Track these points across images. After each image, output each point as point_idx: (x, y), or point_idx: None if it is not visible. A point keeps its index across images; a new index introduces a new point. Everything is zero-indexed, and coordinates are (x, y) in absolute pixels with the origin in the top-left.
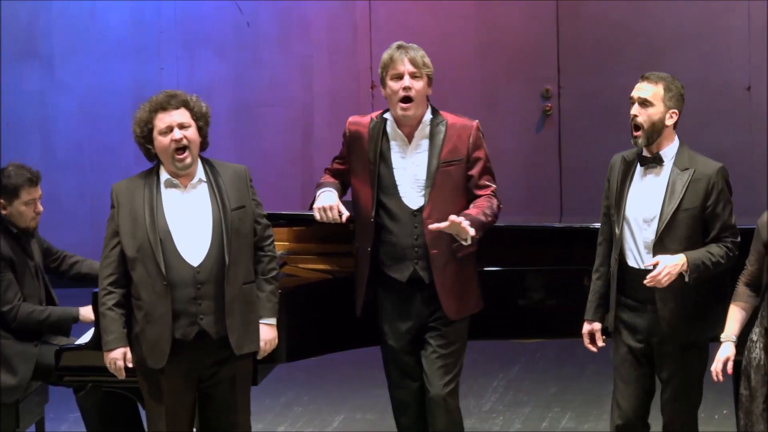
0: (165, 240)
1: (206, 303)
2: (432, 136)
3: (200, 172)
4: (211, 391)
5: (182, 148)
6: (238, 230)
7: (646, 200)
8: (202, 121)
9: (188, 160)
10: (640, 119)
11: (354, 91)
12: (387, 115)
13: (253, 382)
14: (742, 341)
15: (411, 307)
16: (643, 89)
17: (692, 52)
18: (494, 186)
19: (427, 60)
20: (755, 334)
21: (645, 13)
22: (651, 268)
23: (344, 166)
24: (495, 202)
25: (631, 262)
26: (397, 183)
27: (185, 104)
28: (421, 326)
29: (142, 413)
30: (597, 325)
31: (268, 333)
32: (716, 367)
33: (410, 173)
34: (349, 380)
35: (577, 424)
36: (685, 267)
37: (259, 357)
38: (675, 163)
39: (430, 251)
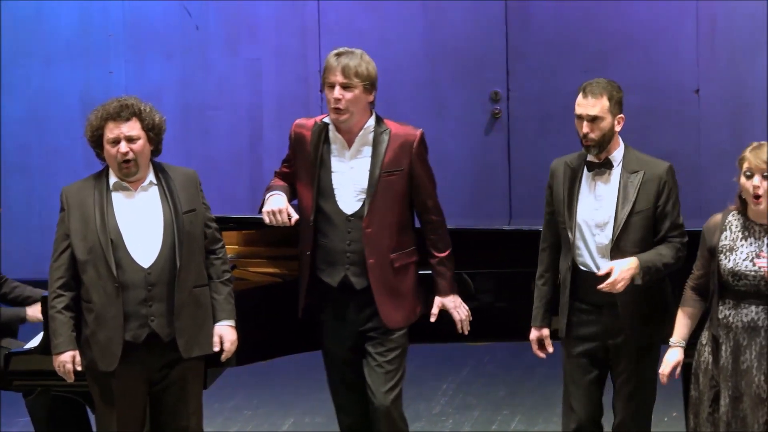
0: (116, 242)
1: (157, 305)
2: (375, 145)
3: (151, 175)
4: (162, 394)
5: (127, 161)
6: (190, 233)
7: (598, 205)
8: (153, 131)
9: (132, 170)
10: (592, 135)
11: (303, 95)
12: (328, 119)
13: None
14: (691, 344)
15: (346, 313)
16: (589, 106)
17: (641, 54)
18: (442, 217)
19: (363, 69)
20: (704, 338)
21: (593, 15)
22: (604, 275)
23: (291, 169)
24: (448, 237)
25: (584, 267)
26: (335, 187)
27: (137, 115)
28: (358, 333)
29: (92, 417)
30: (546, 331)
31: (230, 334)
32: (664, 370)
33: (348, 178)
34: (298, 384)
35: (527, 427)
36: (637, 270)
37: (223, 359)
38: (623, 167)
39: (367, 260)
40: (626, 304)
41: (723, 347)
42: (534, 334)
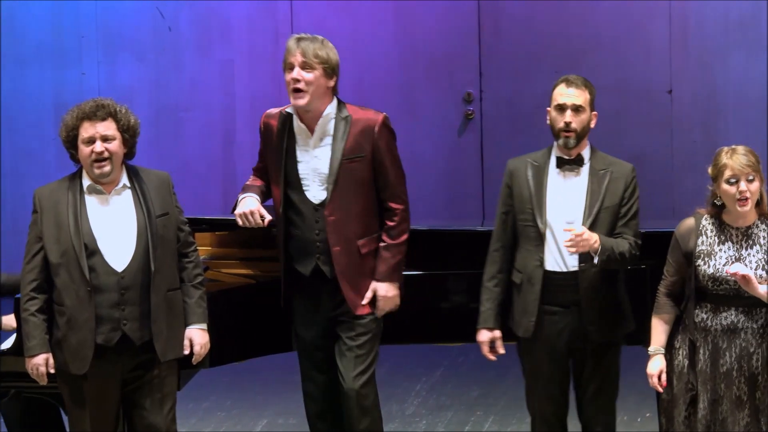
0: (89, 245)
1: (130, 309)
2: (335, 131)
3: (124, 178)
4: (135, 395)
5: (101, 159)
6: (163, 237)
7: (567, 202)
8: (128, 133)
9: (106, 169)
10: (574, 125)
11: (275, 96)
12: (290, 109)
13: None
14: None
15: (318, 300)
16: (574, 96)
17: (613, 55)
18: (402, 205)
19: (323, 52)
20: (677, 342)
21: (566, 16)
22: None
23: (264, 162)
24: (404, 228)
25: (552, 267)
26: (301, 177)
27: (112, 115)
28: (329, 319)
29: (65, 419)
30: (498, 333)
31: (201, 337)
32: (653, 381)
33: (311, 167)
34: (271, 385)
35: (500, 427)
36: (597, 245)
37: (194, 362)
38: (591, 165)
39: (331, 248)
40: (590, 301)
41: (701, 351)
42: (486, 335)
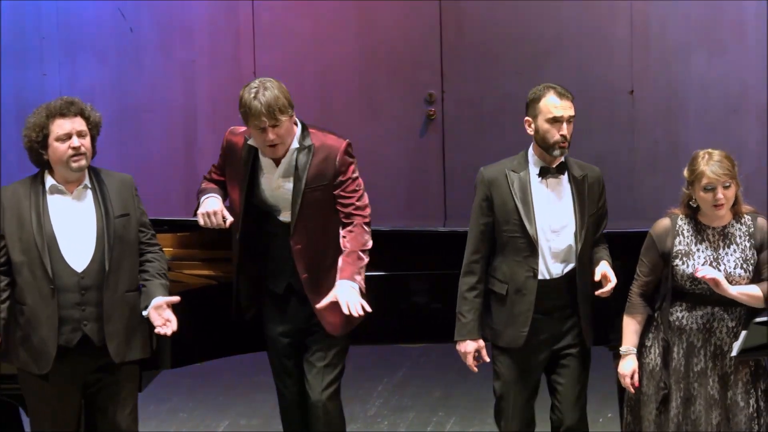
0: (51, 245)
1: (90, 309)
2: (298, 162)
3: (86, 179)
4: (96, 397)
5: (79, 154)
6: (122, 237)
7: (554, 211)
8: (95, 130)
9: (83, 163)
10: (569, 137)
11: (237, 96)
12: (253, 143)
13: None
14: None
15: (289, 310)
16: (568, 108)
17: (575, 55)
18: (362, 214)
19: (282, 101)
20: (648, 340)
21: (527, 16)
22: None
23: (221, 177)
24: (366, 238)
25: (540, 276)
26: (270, 202)
27: (82, 113)
28: (300, 330)
29: (25, 420)
30: (482, 342)
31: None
32: (626, 382)
33: (277, 195)
34: (233, 386)
35: (462, 428)
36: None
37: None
38: (569, 171)
39: (300, 276)
40: (585, 306)
41: (675, 349)
42: (471, 346)
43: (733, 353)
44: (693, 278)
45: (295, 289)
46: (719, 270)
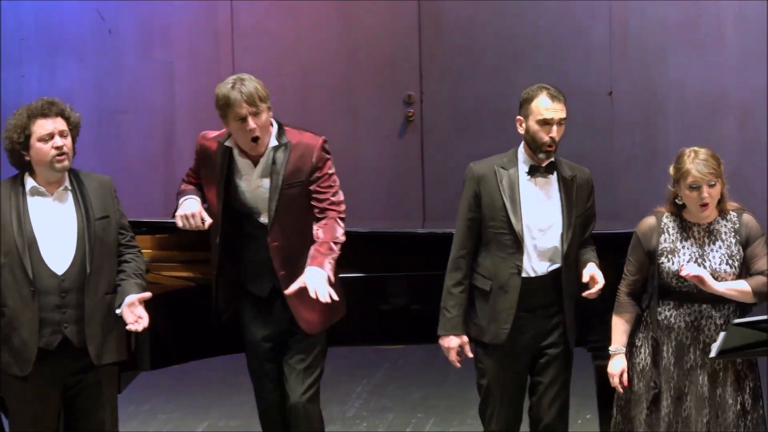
0: (31, 247)
1: (70, 311)
2: (275, 159)
3: (66, 180)
4: (76, 399)
5: (62, 153)
6: (102, 240)
7: (542, 210)
8: (75, 131)
9: (66, 163)
10: (557, 140)
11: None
12: (230, 143)
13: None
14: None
15: (271, 313)
16: (560, 110)
17: (553, 56)
18: (337, 209)
19: (261, 91)
20: (639, 340)
21: (506, 17)
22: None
23: (198, 180)
24: (339, 232)
25: (525, 273)
26: (249, 204)
27: (62, 113)
28: (283, 331)
29: (4, 420)
30: (466, 338)
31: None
32: (615, 381)
33: (256, 196)
34: (213, 388)
35: (442, 428)
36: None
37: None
38: (559, 171)
39: (278, 273)
40: (569, 306)
41: (664, 348)
42: (455, 341)
43: (712, 354)
44: (679, 276)
45: (280, 291)
46: (704, 267)
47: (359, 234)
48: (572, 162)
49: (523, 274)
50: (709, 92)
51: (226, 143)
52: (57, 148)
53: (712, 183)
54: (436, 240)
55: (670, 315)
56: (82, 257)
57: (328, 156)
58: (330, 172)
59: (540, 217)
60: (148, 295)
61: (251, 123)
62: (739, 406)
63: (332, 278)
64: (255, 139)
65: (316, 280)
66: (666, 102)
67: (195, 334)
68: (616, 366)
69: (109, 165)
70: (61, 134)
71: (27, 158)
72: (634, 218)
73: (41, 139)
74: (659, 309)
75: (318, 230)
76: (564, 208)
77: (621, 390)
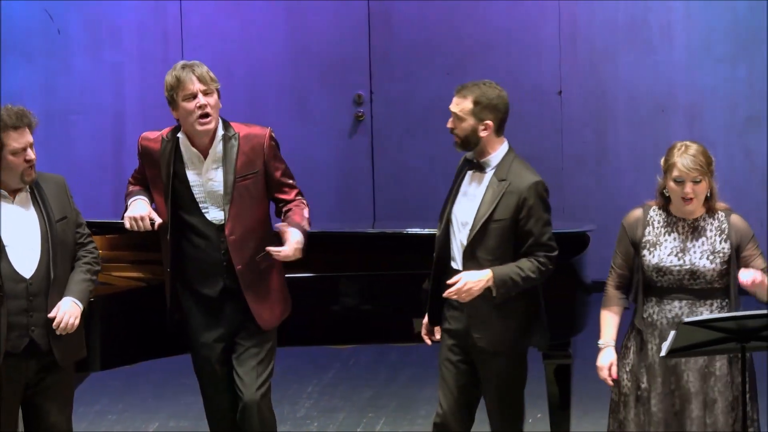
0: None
1: (38, 315)
2: (225, 151)
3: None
4: (36, 398)
5: (31, 167)
6: (63, 241)
7: (465, 204)
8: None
9: (34, 175)
10: (456, 131)
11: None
12: (179, 134)
13: None
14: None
15: (222, 316)
16: (454, 103)
17: (503, 56)
18: (297, 188)
19: (212, 74)
20: (629, 341)
21: (456, 17)
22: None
23: (143, 183)
24: (306, 209)
25: (452, 264)
26: (198, 200)
27: (30, 126)
28: (234, 329)
29: None
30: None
31: (70, 306)
32: (603, 374)
33: (207, 190)
34: (162, 388)
35: (392, 428)
36: (491, 282)
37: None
38: (495, 173)
39: (235, 267)
40: (478, 307)
41: (649, 345)
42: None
43: (662, 353)
44: (659, 269)
45: (231, 289)
46: (684, 260)
47: (309, 234)
48: (530, 171)
49: (453, 265)
50: (658, 91)
51: (178, 134)
52: (28, 161)
53: (698, 180)
54: (387, 239)
55: (653, 312)
56: (47, 260)
57: (277, 144)
58: (282, 160)
59: (461, 212)
60: (60, 319)
61: (202, 99)
62: (728, 401)
63: (307, 227)
64: (206, 115)
65: (300, 240)
66: (615, 101)
67: (145, 334)
68: (605, 359)
69: (58, 166)
70: (32, 146)
71: None
72: (583, 217)
73: (14, 153)
74: (644, 307)
75: (290, 211)
76: (480, 209)
77: (610, 383)
